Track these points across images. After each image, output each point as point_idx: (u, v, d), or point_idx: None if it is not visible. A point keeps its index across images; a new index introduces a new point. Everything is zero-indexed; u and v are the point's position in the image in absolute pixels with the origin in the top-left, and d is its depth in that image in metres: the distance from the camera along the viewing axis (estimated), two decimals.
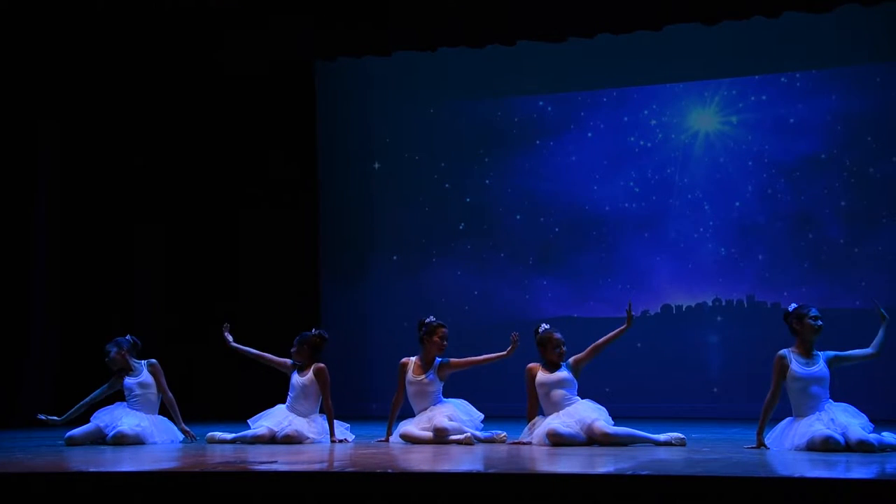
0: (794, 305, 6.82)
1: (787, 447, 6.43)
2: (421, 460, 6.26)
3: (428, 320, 7.81)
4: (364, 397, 11.76)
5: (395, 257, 12.22)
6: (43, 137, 10.94)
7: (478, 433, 7.45)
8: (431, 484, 5.13)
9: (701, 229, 11.31)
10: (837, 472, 5.17)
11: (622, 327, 7.21)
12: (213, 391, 11.01)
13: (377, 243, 12.29)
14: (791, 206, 11.04)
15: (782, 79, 11.19)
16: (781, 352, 6.71)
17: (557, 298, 11.63)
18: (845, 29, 10.51)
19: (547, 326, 7.38)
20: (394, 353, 10.95)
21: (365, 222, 12.32)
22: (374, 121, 12.39)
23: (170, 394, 7.98)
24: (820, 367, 6.65)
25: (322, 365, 7.93)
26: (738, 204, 11.23)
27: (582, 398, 7.24)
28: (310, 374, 7.89)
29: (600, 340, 7.29)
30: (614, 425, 7.00)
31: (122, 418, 7.71)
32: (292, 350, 8.00)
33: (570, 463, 5.91)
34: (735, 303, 11.12)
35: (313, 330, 8.09)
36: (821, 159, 10.98)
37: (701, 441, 7.20)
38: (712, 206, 11.30)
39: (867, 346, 6.67)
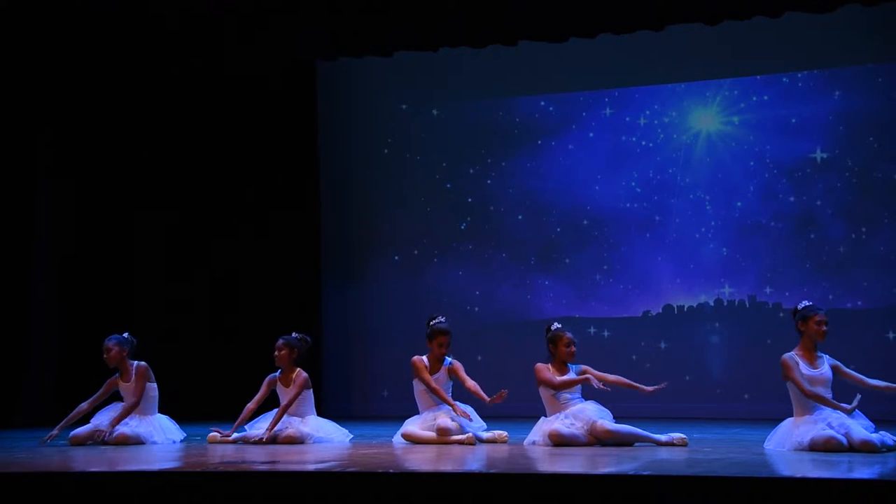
0: (804, 304, 6.77)
1: (789, 448, 6.41)
2: (422, 460, 6.25)
3: (434, 322, 7.74)
4: (364, 397, 11.75)
5: (396, 257, 12.20)
6: (44, 139, 10.93)
7: (479, 433, 7.46)
8: (432, 484, 5.13)
9: (703, 229, 11.29)
10: (839, 473, 5.16)
11: (640, 388, 7.10)
12: (212, 392, 10.99)
13: (378, 244, 12.26)
14: (793, 206, 11.01)
15: (784, 79, 11.17)
16: (785, 356, 6.66)
17: (559, 298, 11.61)
18: (847, 29, 10.48)
19: (559, 325, 7.37)
20: (395, 353, 10.95)
21: (366, 223, 12.30)
22: (375, 121, 12.37)
23: (136, 398, 7.84)
24: (825, 369, 6.64)
25: (305, 375, 7.90)
26: (739, 204, 11.20)
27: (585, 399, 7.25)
28: (293, 382, 7.87)
29: (622, 380, 7.21)
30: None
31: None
32: (275, 353, 7.93)
33: (570, 463, 5.90)
34: (737, 303, 11.09)
35: (294, 334, 8.02)
36: (822, 160, 10.96)
37: (702, 441, 7.19)
38: (714, 207, 11.27)
39: (869, 376, 6.65)
